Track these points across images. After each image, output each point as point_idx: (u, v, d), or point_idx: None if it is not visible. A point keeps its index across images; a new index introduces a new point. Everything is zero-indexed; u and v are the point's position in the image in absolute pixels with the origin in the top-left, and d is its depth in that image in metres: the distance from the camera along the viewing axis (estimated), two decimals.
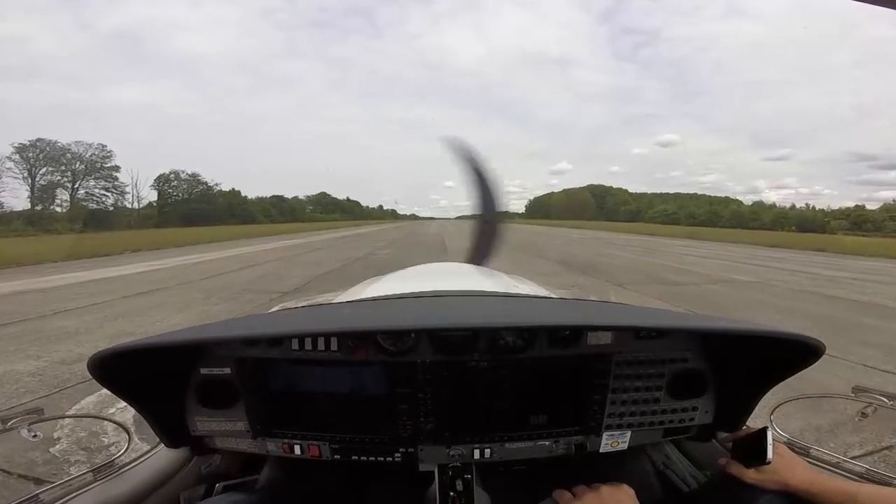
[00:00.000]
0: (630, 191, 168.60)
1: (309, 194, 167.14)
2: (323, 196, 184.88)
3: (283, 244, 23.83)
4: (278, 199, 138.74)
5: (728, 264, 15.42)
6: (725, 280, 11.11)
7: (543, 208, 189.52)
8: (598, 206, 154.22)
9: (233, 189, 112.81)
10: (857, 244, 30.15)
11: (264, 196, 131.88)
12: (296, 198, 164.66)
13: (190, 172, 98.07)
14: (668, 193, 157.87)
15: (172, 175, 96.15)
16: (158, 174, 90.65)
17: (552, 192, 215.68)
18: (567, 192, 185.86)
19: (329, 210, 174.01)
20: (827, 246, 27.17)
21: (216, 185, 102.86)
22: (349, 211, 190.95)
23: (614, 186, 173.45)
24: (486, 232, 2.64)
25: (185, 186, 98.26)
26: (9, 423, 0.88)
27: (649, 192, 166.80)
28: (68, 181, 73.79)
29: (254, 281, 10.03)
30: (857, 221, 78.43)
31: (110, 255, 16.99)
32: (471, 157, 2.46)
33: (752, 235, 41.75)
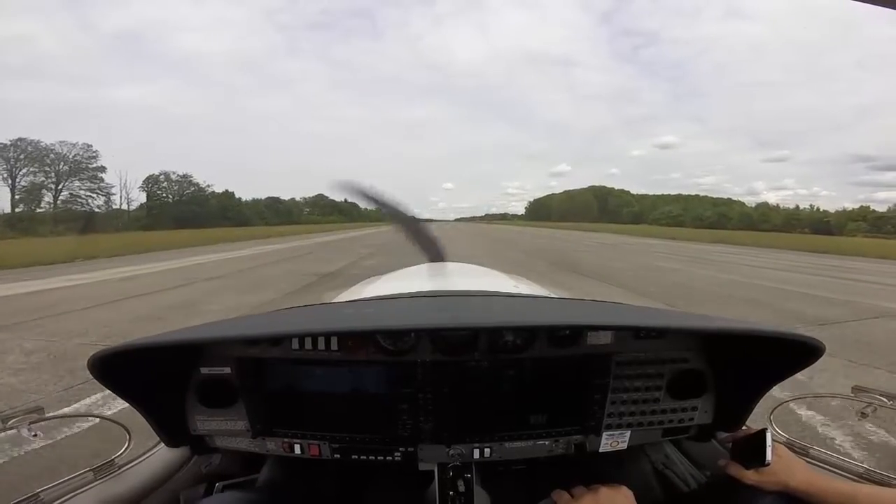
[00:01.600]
0: (632, 192, 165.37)
1: (308, 196, 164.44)
2: (320, 198, 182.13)
3: (258, 251, 20.77)
4: (273, 201, 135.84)
5: (827, 280, 11.99)
6: (881, 311, 7.82)
7: (544, 210, 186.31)
8: (600, 207, 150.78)
9: (226, 190, 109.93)
10: None
11: (259, 198, 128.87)
12: (293, 199, 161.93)
13: (181, 173, 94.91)
14: (669, 195, 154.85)
15: (162, 176, 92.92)
16: (147, 175, 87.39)
17: (552, 194, 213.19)
18: (568, 194, 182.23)
19: (326, 212, 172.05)
20: (889, 252, 24.23)
21: (208, 186, 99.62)
22: (347, 213, 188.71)
23: (616, 188, 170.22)
24: (419, 235, 2.31)
25: (175, 188, 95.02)
26: (9, 423, 0.86)
27: (650, 193, 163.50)
28: (52, 182, 70.32)
29: (156, 315, 7.07)
30: (876, 224, 75.19)
31: (55, 264, 14.52)
32: (366, 193, 2.05)
33: (782, 239, 37.83)
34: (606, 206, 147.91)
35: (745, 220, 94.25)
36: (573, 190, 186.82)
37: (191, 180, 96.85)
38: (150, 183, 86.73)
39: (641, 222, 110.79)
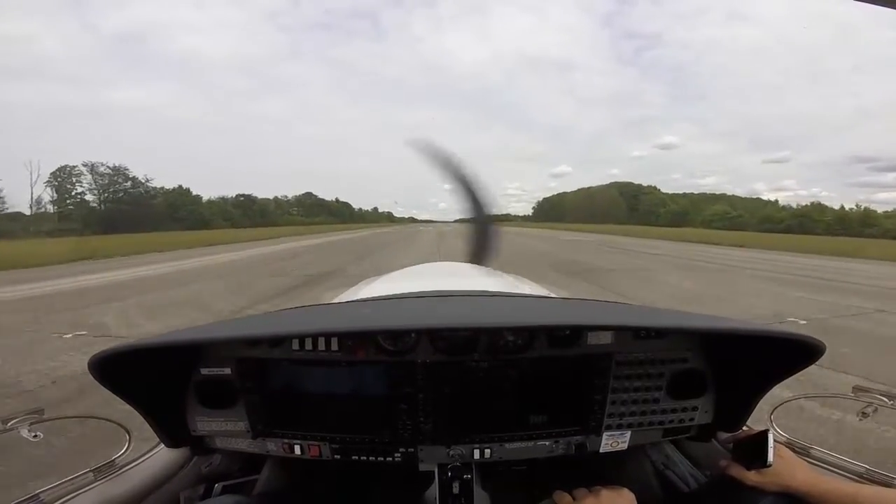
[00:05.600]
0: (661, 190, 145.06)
1: (285, 195, 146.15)
2: (307, 196, 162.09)
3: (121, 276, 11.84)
4: (245, 200, 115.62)
5: None
6: None
7: (555, 210, 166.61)
8: (629, 206, 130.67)
9: (179, 186, 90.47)
10: None
11: (227, 196, 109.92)
12: (276, 198, 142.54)
13: (112, 165, 75.65)
14: (693, 193, 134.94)
15: (84, 168, 73.41)
16: (59, 166, 68.51)
17: (565, 192, 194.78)
18: (588, 191, 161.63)
19: (314, 213, 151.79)
20: None
21: (148, 180, 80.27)
22: (337, 213, 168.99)
23: (645, 184, 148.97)
24: (481, 235, 2.50)
25: (104, 182, 75.49)
26: (9, 424, 0.86)
27: (680, 192, 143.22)
28: None
29: None
30: None
31: None
32: (445, 160, 2.22)
33: None
34: (637, 205, 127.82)
35: (839, 223, 73.39)
36: (594, 187, 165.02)
37: (126, 174, 77.42)
38: (62, 177, 67.50)
39: (684, 224, 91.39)
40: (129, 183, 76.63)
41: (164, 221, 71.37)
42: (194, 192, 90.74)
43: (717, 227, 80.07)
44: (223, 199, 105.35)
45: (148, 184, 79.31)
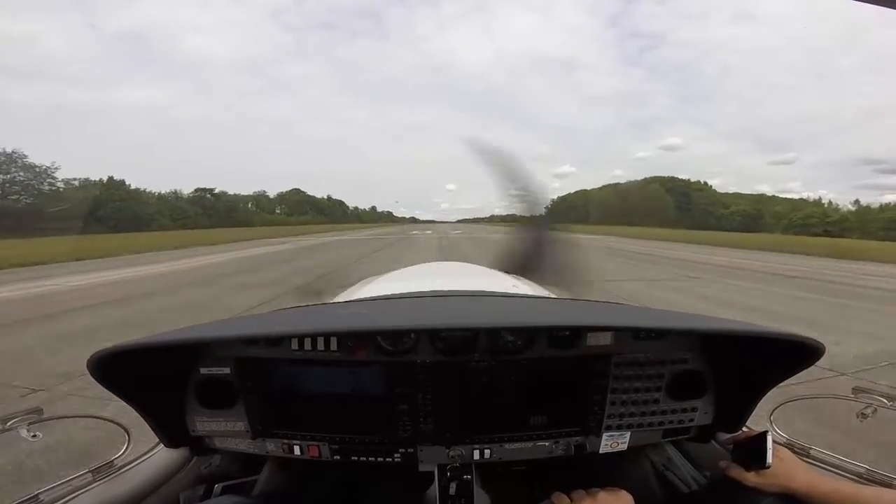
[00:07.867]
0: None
1: (254, 191, 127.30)
2: (295, 193, 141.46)
3: None
4: (204, 194, 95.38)
5: None
6: None
7: (575, 210, 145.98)
8: (678, 206, 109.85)
9: (110, 178, 71.00)
10: None
11: (181, 191, 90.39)
12: (256, 194, 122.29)
13: (2, 150, 56.14)
14: (777, 196, 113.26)
15: None
16: None
17: (584, 189, 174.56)
18: (618, 188, 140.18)
19: (301, 211, 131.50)
20: None
21: (55, 168, 60.65)
22: (328, 213, 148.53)
23: (692, 180, 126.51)
24: (532, 242, 2.24)
25: None
26: (8, 424, 0.86)
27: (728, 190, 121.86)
28: None
29: None
30: None
31: None
32: (495, 154, 2.13)
33: None
34: (688, 204, 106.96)
35: None
36: (625, 183, 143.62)
37: (23, 161, 57.65)
38: None
39: (756, 229, 71.00)
40: (23, 174, 57.15)
41: (77, 221, 52.03)
42: (157, 190, 71.93)
43: (814, 233, 59.76)
44: (175, 195, 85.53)
45: (55, 173, 59.60)
